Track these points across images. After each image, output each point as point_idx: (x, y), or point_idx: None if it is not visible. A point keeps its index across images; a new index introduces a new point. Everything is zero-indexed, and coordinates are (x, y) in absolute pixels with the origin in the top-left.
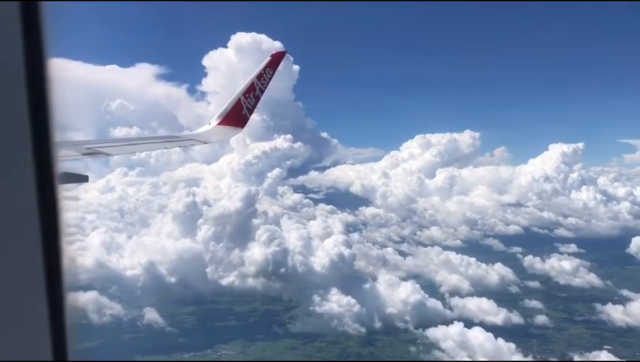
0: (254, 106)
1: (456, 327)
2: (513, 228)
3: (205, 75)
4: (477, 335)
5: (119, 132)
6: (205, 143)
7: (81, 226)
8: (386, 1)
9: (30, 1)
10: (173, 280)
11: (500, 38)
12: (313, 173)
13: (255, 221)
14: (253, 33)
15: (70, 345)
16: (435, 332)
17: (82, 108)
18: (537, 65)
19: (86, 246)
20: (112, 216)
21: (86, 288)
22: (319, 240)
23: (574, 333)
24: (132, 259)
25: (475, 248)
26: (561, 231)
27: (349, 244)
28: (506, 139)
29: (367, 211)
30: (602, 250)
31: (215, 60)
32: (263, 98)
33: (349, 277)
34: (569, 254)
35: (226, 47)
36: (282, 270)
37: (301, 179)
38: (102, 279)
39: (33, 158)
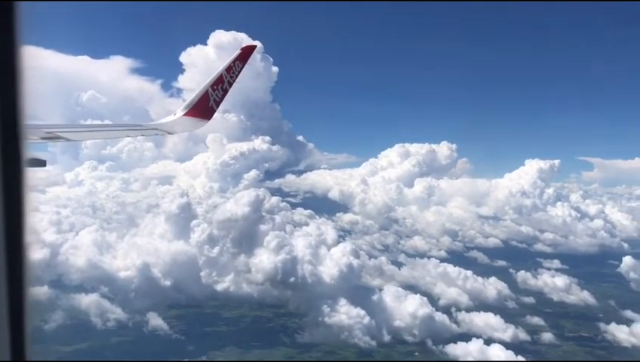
0: (222, 99)
1: (476, 344)
2: (493, 241)
3: (182, 71)
4: (498, 353)
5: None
6: (170, 133)
7: (57, 221)
8: (370, 6)
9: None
10: (167, 283)
11: (480, 51)
12: (290, 177)
13: (262, 227)
14: (233, 32)
15: (29, 344)
16: (455, 349)
17: (51, 97)
18: (505, 81)
19: (76, 244)
20: (83, 211)
21: (79, 289)
22: (325, 248)
23: (568, 350)
24: (125, 260)
25: (460, 260)
26: (539, 246)
27: (356, 254)
28: (471, 151)
29: (346, 218)
30: (582, 266)
31: (193, 57)
32: (241, 98)
33: (355, 287)
34: (555, 270)
35: (205, 44)
36: (292, 279)
37: (278, 182)
38: (94, 279)
39: (1, 149)
